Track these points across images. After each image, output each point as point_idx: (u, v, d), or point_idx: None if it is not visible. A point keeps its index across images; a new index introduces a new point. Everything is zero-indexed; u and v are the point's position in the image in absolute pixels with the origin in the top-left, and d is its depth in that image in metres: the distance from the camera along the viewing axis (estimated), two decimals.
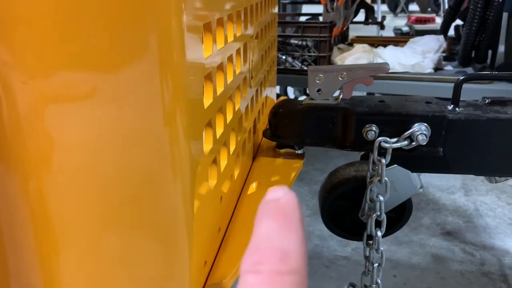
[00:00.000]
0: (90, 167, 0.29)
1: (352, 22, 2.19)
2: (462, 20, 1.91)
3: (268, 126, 0.77)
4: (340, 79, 0.67)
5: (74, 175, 0.27)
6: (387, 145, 0.65)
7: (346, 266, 1.35)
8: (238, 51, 0.58)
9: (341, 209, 0.78)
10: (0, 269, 0.28)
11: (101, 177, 0.30)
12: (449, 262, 1.36)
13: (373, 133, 0.65)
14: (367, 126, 0.66)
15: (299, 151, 0.77)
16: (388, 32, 3.80)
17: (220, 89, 0.48)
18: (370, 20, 2.29)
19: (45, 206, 0.26)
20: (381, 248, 0.73)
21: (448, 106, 0.68)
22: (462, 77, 0.67)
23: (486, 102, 0.70)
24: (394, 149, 0.65)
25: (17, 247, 0.27)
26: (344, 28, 2.06)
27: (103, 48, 0.28)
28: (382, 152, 0.66)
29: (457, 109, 0.67)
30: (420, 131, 0.64)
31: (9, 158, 0.24)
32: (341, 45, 1.97)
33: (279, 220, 0.19)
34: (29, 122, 0.24)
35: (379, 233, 0.72)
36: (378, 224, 0.72)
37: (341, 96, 0.69)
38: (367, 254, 0.77)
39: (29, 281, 0.28)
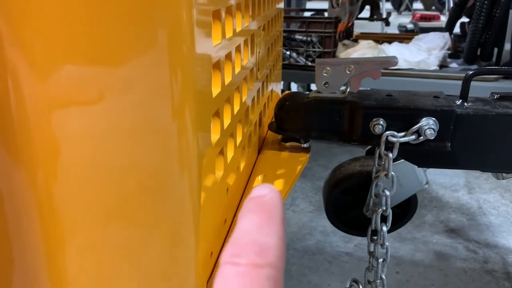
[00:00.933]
0: (98, 160, 0.28)
1: (357, 18, 2.17)
2: (468, 17, 1.90)
3: (273, 119, 0.76)
4: (348, 72, 0.66)
5: (82, 168, 0.27)
6: (394, 139, 0.64)
7: (349, 262, 1.35)
8: (245, 41, 0.57)
9: (346, 204, 0.78)
10: (5, 259, 0.27)
11: (108, 170, 0.29)
12: (452, 260, 1.36)
13: (380, 127, 0.65)
14: (374, 120, 0.65)
15: (305, 145, 0.76)
16: (392, 30, 3.79)
17: (228, 79, 0.47)
18: (375, 16, 2.28)
19: (53, 199, 0.26)
20: (386, 243, 0.73)
21: (457, 101, 0.67)
22: (472, 72, 0.66)
23: (495, 97, 0.69)
24: (401, 144, 0.65)
25: (23, 238, 0.26)
26: (349, 24, 2.05)
27: (112, 42, 0.28)
28: (389, 146, 0.65)
29: (465, 104, 0.67)
30: (428, 125, 0.63)
31: (17, 151, 0.24)
32: (346, 41, 1.97)
33: (262, 216, 0.20)
34: (37, 116, 0.24)
35: (385, 228, 0.71)
36: (383, 219, 0.72)
37: (348, 90, 0.69)
38: (371, 249, 0.76)
39: (34, 272, 0.27)
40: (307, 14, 2.35)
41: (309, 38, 1.83)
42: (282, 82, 2.11)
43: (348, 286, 0.83)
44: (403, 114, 0.65)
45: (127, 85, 0.30)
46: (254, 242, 0.19)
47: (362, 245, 1.41)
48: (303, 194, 1.78)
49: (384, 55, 1.78)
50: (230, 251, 0.19)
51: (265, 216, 0.20)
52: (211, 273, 0.45)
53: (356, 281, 0.82)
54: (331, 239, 1.46)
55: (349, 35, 2.13)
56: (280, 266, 0.19)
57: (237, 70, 0.52)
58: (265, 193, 0.21)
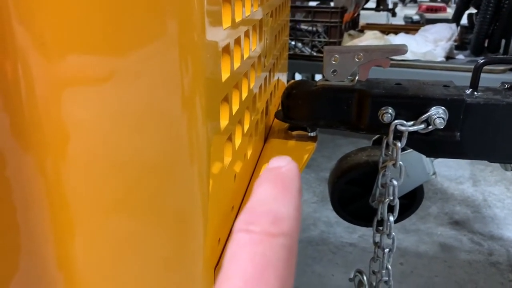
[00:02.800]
0: (107, 147, 0.28)
1: (363, 9, 2.16)
2: (476, 8, 1.88)
3: (280, 108, 0.76)
4: (357, 60, 0.65)
5: (91, 154, 0.27)
6: (403, 128, 0.63)
7: (353, 252, 1.35)
8: (254, 27, 0.56)
9: (351, 194, 0.77)
10: (12, 245, 0.27)
11: (117, 157, 0.29)
12: (456, 252, 1.36)
13: (389, 115, 0.64)
14: (383, 108, 0.64)
15: (312, 134, 0.75)
16: (398, 21, 3.76)
17: (237, 64, 0.47)
18: (381, 7, 2.26)
19: (62, 185, 0.26)
20: (393, 234, 0.72)
21: (467, 90, 0.66)
22: (483, 60, 0.65)
23: (506, 87, 0.68)
24: (410, 133, 0.64)
25: (32, 224, 0.26)
26: (355, 15, 2.04)
27: (123, 28, 0.28)
28: (398, 135, 0.65)
29: (475, 93, 0.66)
30: (438, 114, 0.62)
31: (26, 136, 0.24)
32: (351, 32, 1.95)
33: (278, 186, 0.20)
34: (46, 101, 0.24)
35: (391, 218, 0.71)
36: (390, 209, 0.71)
37: (356, 78, 0.68)
38: (377, 240, 0.76)
39: (42, 257, 0.27)
40: (312, 3, 2.34)
41: (314, 28, 1.82)
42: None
43: (352, 276, 0.83)
44: (413, 103, 0.64)
45: (137, 72, 0.29)
46: (269, 211, 0.19)
47: (366, 236, 1.40)
48: (307, 185, 1.77)
49: None
50: (244, 219, 0.19)
51: (281, 186, 0.20)
52: (219, 260, 0.45)
53: (360, 272, 0.82)
54: (335, 229, 1.46)
55: (355, 26, 2.11)
56: (294, 236, 0.19)
57: (246, 55, 0.52)
58: (282, 165, 0.21)
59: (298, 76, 2.85)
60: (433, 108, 0.63)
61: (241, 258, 0.17)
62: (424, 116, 0.63)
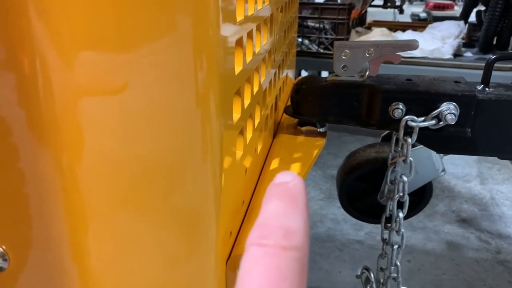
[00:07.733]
0: (121, 143, 0.28)
1: (371, 6, 2.15)
2: (484, 5, 1.87)
3: (289, 103, 0.76)
4: (367, 55, 0.65)
5: (106, 151, 0.27)
6: (414, 124, 0.63)
7: (360, 249, 1.34)
8: (265, 21, 0.56)
9: (360, 191, 0.77)
10: (27, 238, 0.27)
11: (131, 153, 0.29)
12: (464, 249, 1.35)
13: (400, 111, 0.64)
14: (393, 104, 0.64)
15: (321, 129, 0.75)
16: (404, 19, 3.74)
17: (249, 58, 0.47)
18: (389, 4, 2.25)
19: (77, 180, 0.26)
20: (402, 230, 0.72)
21: (478, 86, 0.66)
22: (495, 56, 0.65)
23: None
24: (420, 129, 0.64)
25: (46, 218, 0.26)
26: (363, 11, 2.03)
27: (137, 26, 0.28)
28: (408, 131, 0.64)
29: (487, 89, 0.65)
30: (449, 110, 0.62)
31: (43, 133, 0.24)
32: (359, 28, 1.94)
33: (286, 201, 0.20)
34: (63, 99, 0.24)
35: (401, 214, 0.70)
36: (399, 205, 0.71)
37: (367, 73, 0.67)
38: (385, 236, 0.76)
39: (57, 250, 0.27)
40: (319, 0, 2.33)
41: (321, 25, 1.81)
42: None
43: (359, 273, 0.82)
44: (423, 99, 0.63)
45: (151, 68, 0.30)
46: (280, 225, 0.19)
47: (373, 233, 1.40)
48: (314, 182, 1.77)
49: None
50: (256, 234, 0.19)
51: (289, 201, 0.20)
52: (230, 253, 0.45)
53: (367, 269, 0.82)
54: (342, 227, 1.45)
55: (362, 23, 2.10)
56: (305, 250, 0.19)
57: (257, 49, 0.52)
58: (288, 180, 0.21)
59: (304, 74, 2.85)
60: (444, 103, 0.63)
61: (255, 271, 0.18)
62: (435, 112, 0.62)
